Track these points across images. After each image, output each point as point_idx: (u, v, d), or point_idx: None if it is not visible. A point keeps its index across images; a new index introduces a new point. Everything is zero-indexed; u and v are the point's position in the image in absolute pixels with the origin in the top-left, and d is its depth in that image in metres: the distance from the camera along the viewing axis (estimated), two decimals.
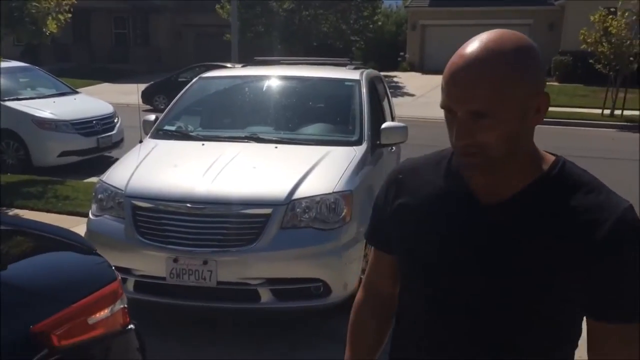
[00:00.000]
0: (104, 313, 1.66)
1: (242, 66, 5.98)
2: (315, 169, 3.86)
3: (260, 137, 4.39)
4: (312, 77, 5.08)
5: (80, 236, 2.28)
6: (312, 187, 3.68)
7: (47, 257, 1.95)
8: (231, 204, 3.55)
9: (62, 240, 2.14)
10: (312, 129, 4.59)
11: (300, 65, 5.97)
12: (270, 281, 3.52)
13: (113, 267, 1.92)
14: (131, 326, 1.85)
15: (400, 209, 1.19)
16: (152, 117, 4.77)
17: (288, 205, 3.55)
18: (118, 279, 1.81)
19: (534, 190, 1.08)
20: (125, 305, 1.83)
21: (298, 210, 3.58)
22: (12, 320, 1.42)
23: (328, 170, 3.90)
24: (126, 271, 3.57)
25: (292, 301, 3.58)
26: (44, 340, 1.46)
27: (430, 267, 1.13)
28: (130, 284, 3.61)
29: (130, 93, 15.23)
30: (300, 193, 3.62)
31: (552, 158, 1.13)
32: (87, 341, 1.61)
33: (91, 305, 1.62)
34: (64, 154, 8.46)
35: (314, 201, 3.60)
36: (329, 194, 3.65)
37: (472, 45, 1.03)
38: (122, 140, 9.16)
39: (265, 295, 3.53)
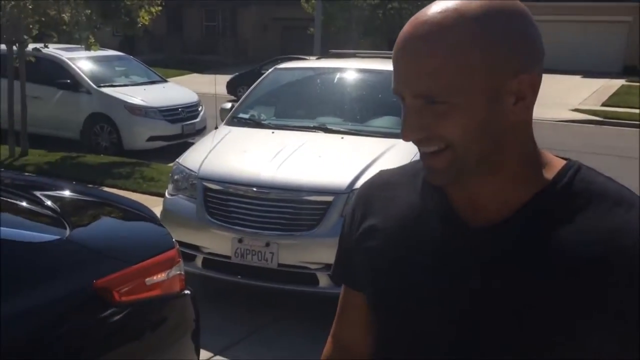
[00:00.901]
0: (161, 276, 1.85)
1: (317, 58, 6.12)
2: (378, 160, 3.93)
3: (328, 127, 4.51)
4: (383, 70, 5.12)
5: (149, 208, 2.50)
6: None
7: (118, 223, 2.18)
8: (294, 190, 3.69)
9: (135, 211, 2.37)
10: (379, 122, 4.65)
11: (375, 59, 6.02)
12: (328, 267, 3.63)
13: (174, 239, 2.10)
14: (187, 292, 2.03)
15: (367, 233, 0.95)
16: (229, 105, 5.02)
17: (349, 194, 3.65)
18: (176, 248, 1.99)
19: (536, 208, 0.81)
20: (182, 272, 2.01)
21: None
22: (80, 274, 1.63)
23: (392, 162, 3.94)
24: (195, 248, 3.82)
25: None
26: (106, 295, 1.66)
27: (400, 307, 0.89)
28: (199, 261, 3.85)
29: (217, 83, 15.85)
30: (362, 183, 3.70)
31: (562, 163, 0.85)
32: (145, 300, 1.80)
33: (150, 267, 1.81)
34: (151, 138, 8.98)
35: None
36: None
37: (428, 8, 0.79)
38: (204, 127, 9.58)
39: (324, 280, 3.65)
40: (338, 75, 5.20)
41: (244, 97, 5.22)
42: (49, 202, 2.03)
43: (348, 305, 1.05)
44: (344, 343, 1.07)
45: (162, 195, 6.35)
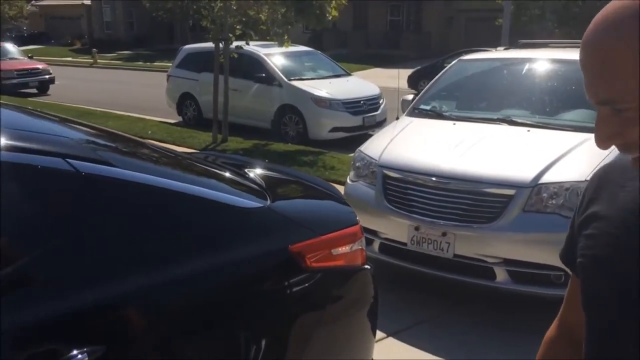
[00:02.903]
0: (345, 249, 2.01)
1: (505, 49, 5.91)
2: (567, 155, 3.71)
3: (514, 120, 4.36)
4: (577, 60, 4.79)
5: (337, 190, 2.71)
6: (562, 174, 3.56)
7: (311, 199, 2.42)
8: (475, 182, 3.66)
9: (324, 190, 2.59)
10: (571, 115, 4.37)
11: (571, 49, 5.63)
12: (507, 262, 3.55)
13: (357, 217, 2.25)
14: (367, 266, 2.17)
15: (589, 219, 0.92)
16: (410, 96, 5.11)
17: (533, 188, 3.52)
18: (359, 224, 2.14)
19: None
20: (363, 248, 2.15)
21: (544, 195, 3.51)
22: (278, 238, 1.86)
23: (583, 157, 3.70)
24: (373, 233, 3.98)
25: (529, 285, 3.55)
26: (299, 259, 1.85)
27: (605, 305, 0.86)
28: (375, 245, 4.01)
29: (398, 77, 16.07)
30: (548, 178, 3.54)
31: None
32: (331, 268, 1.97)
33: (336, 239, 1.98)
34: (334, 129, 9.46)
35: (562, 188, 3.49)
36: (581, 181, 3.48)
37: (613, 4, 0.73)
38: (384, 120, 9.80)
39: (501, 275, 3.57)
40: (526, 66, 4.97)
41: (425, 88, 5.27)
42: (253, 176, 2.31)
43: (573, 288, 1.02)
44: (567, 325, 1.07)
45: (342, 183, 6.71)
